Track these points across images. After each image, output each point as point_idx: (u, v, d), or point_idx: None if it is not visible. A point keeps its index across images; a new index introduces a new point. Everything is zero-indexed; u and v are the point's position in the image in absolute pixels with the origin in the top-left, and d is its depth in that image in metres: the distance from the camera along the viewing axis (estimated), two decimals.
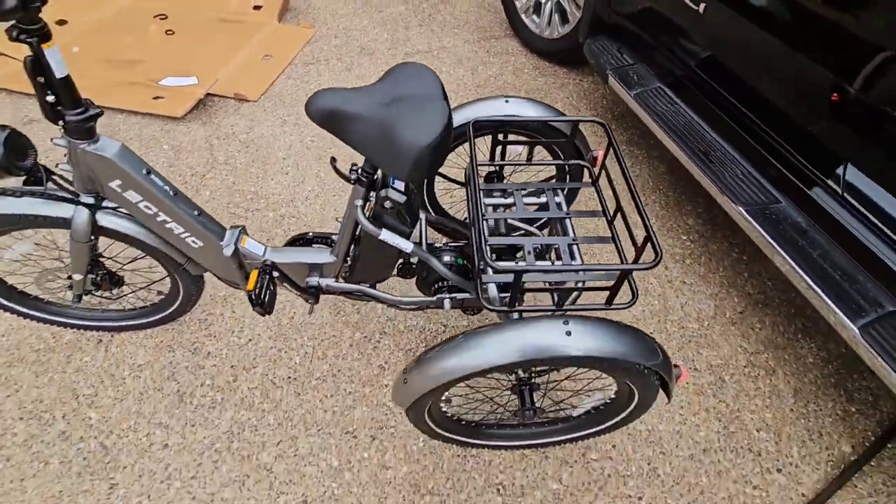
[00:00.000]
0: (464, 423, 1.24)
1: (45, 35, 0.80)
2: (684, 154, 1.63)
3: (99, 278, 1.23)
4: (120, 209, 1.10)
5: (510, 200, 1.22)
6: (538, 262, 1.07)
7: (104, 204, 1.09)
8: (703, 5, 1.53)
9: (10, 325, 1.49)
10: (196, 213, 1.11)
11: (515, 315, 1.07)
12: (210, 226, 1.14)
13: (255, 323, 1.56)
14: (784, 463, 1.32)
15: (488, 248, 1.03)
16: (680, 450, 1.34)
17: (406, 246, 1.12)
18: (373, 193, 1.09)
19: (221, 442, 1.31)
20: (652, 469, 1.30)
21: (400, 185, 1.07)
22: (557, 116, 1.35)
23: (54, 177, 1.05)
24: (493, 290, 1.11)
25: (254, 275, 1.11)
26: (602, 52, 2.06)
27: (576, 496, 1.25)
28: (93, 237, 1.10)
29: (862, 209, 1.27)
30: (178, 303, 1.40)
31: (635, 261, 0.95)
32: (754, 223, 1.41)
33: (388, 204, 1.06)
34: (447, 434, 1.22)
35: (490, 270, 1.05)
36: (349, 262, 1.26)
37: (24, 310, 1.35)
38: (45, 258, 1.49)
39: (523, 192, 1.22)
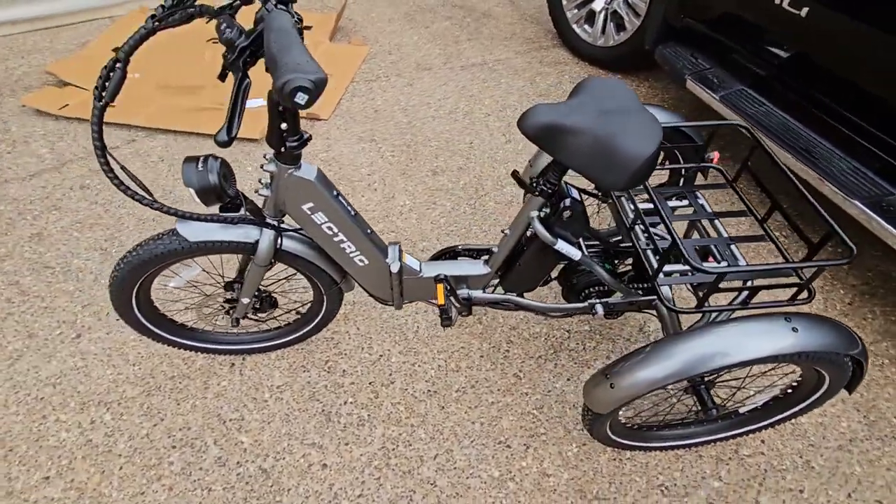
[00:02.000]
0: (636, 427, 1.26)
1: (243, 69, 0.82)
2: (787, 153, 1.67)
3: (261, 301, 1.23)
4: (300, 231, 1.12)
5: (650, 205, 1.26)
6: (735, 264, 1.09)
7: (284, 227, 1.10)
8: (805, 9, 1.59)
9: (140, 354, 1.49)
10: (369, 231, 1.13)
11: (698, 315, 1.10)
12: (378, 244, 1.16)
13: (382, 339, 1.56)
14: None
15: (689, 248, 1.06)
16: (827, 441, 1.36)
17: (576, 254, 1.14)
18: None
19: (379, 459, 1.31)
20: (805, 462, 1.33)
21: (575, 193, 1.10)
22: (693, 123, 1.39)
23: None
24: (667, 291, 1.14)
25: (440, 290, 1.13)
26: (676, 56, 2.12)
27: (738, 492, 1.27)
28: (273, 260, 1.11)
29: None
30: (316, 321, 1.41)
31: (809, 257, 0.98)
32: (874, 216, 1.45)
33: (566, 214, 1.08)
34: (623, 441, 1.23)
35: (671, 273, 1.07)
36: (500, 274, 1.28)
37: (174, 338, 1.35)
38: (205, 285, 1.50)
39: (666, 196, 1.26)
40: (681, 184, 1.59)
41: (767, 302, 1.01)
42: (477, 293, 1.30)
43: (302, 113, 2.37)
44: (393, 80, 2.64)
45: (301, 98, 0.68)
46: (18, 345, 1.49)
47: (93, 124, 0.75)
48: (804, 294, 0.99)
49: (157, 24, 0.73)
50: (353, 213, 1.08)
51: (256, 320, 1.35)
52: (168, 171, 2.08)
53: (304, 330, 1.44)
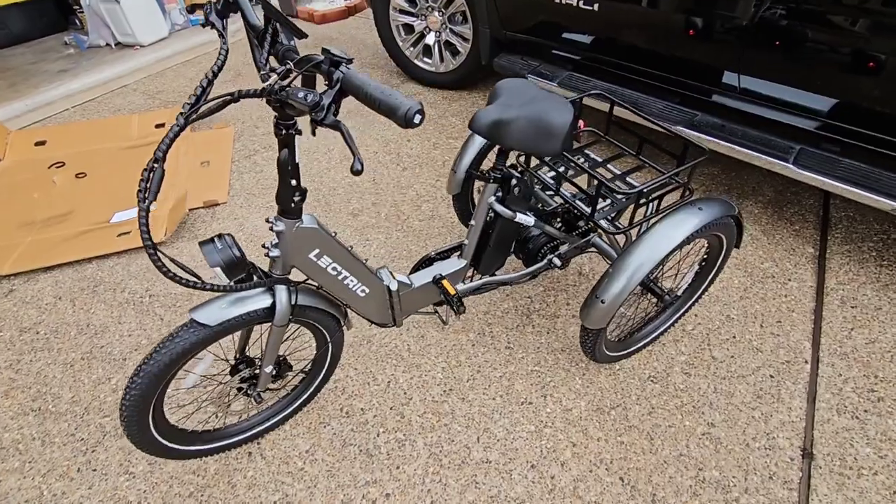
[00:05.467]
0: (619, 339, 1.55)
1: (298, 129, 0.94)
2: (623, 109, 2.17)
3: (278, 367, 1.26)
4: (307, 281, 1.19)
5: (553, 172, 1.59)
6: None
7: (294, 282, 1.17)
8: (596, 5, 2.11)
9: (140, 490, 1.36)
10: (365, 259, 1.25)
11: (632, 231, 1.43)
12: (372, 270, 1.29)
13: (383, 368, 1.65)
14: (790, 275, 1.88)
15: (615, 185, 1.38)
16: (732, 297, 1.81)
17: (531, 220, 1.40)
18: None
19: (432, 465, 1.40)
20: (727, 317, 1.75)
21: (516, 173, 1.36)
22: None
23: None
24: (603, 223, 1.46)
25: (447, 284, 1.28)
26: (511, 63, 2.58)
27: (698, 356, 1.63)
28: (291, 317, 1.16)
29: (752, 99, 1.92)
30: (323, 372, 1.45)
31: (679, 164, 1.38)
32: (692, 132, 1.99)
33: (517, 190, 1.34)
34: (615, 354, 1.51)
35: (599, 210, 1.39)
36: (473, 263, 1.49)
37: (190, 448, 1.28)
38: (216, 375, 1.41)
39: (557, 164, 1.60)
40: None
41: (669, 205, 1.38)
42: (460, 286, 1.49)
43: (199, 202, 2.32)
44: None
45: (417, 118, 0.78)
46: None
47: (141, 227, 0.78)
48: (687, 193, 1.37)
49: (187, 118, 0.80)
50: (350, 247, 1.20)
51: (275, 389, 1.35)
52: (73, 308, 1.89)
53: (314, 385, 1.47)
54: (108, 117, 3.02)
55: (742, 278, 1.88)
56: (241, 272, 1.00)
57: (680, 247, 1.28)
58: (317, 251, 1.12)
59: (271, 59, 0.92)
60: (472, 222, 1.39)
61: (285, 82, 0.83)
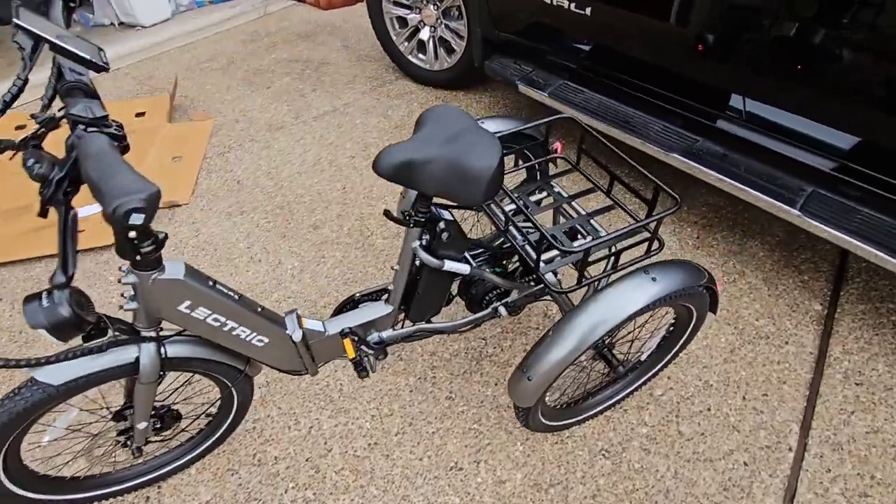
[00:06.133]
0: (564, 406, 1.35)
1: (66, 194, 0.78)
2: (612, 127, 1.93)
3: (161, 420, 1.13)
4: (183, 332, 1.04)
5: (512, 206, 1.39)
6: (596, 237, 1.22)
7: (164, 334, 1.02)
8: (588, 8, 1.86)
9: None
10: (259, 309, 1.10)
11: (583, 289, 1.22)
12: (273, 318, 1.13)
13: (308, 409, 1.50)
14: (787, 337, 1.63)
15: (558, 233, 1.17)
16: (714, 359, 1.58)
17: (465, 269, 1.21)
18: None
19: None
20: (705, 383, 1.52)
21: (447, 215, 1.17)
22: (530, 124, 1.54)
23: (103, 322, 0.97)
24: (550, 277, 1.25)
25: (348, 344, 1.12)
26: (503, 67, 2.35)
27: (663, 430, 1.42)
28: (161, 373, 1.02)
29: (760, 127, 1.65)
30: (231, 417, 1.32)
31: (649, 213, 1.16)
32: (689, 161, 1.74)
33: (445, 235, 1.15)
34: (556, 423, 1.31)
35: (552, 259, 1.18)
36: (403, 308, 1.31)
37: (71, 496, 1.17)
38: (90, 424, 1.30)
39: (526, 193, 1.39)
40: (538, 178, 1.77)
41: (634, 259, 1.16)
42: (388, 333, 1.32)
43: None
44: (248, 147, 2.58)
45: (137, 219, 0.65)
46: None
47: None
48: (655, 245, 1.15)
49: None
50: (236, 297, 1.04)
51: (163, 440, 1.23)
52: (11, 310, 1.82)
53: (221, 430, 1.34)
54: None
55: (730, 336, 1.64)
56: (78, 332, 0.86)
57: (633, 318, 1.07)
58: (187, 304, 0.96)
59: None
60: (396, 267, 1.21)
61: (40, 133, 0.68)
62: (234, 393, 1.25)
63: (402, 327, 1.34)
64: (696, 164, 1.72)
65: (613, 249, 1.24)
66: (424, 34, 2.78)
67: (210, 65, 3.30)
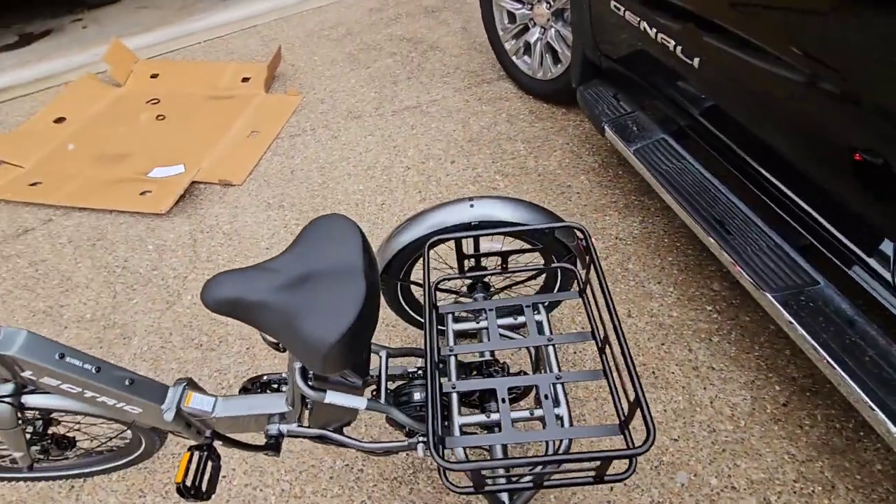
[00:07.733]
0: None
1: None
2: (696, 223, 1.40)
3: (46, 447, 1.13)
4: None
5: (483, 325, 1.06)
6: (503, 456, 0.88)
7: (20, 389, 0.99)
8: (696, 59, 1.31)
9: None
10: (128, 382, 1.00)
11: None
12: (147, 391, 1.02)
13: (232, 453, 1.43)
14: None
15: (455, 426, 0.85)
16: None
17: (359, 404, 0.96)
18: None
19: None
20: None
21: None
22: (531, 215, 1.17)
23: None
24: (459, 453, 0.93)
25: (183, 461, 0.98)
26: (597, 100, 1.86)
27: None
28: (20, 421, 1.00)
29: None
30: (141, 449, 1.30)
31: (624, 426, 0.76)
32: (785, 313, 1.17)
33: None
34: None
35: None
36: (310, 406, 1.12)
37: None
38: None
39: (499, 311, 1.05)
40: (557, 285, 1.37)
41: (572, 479, 0.79)
42: (291, 427, 1.14)
43: (214, 179, 2.29)
44: (318, 133, 2.52)
45: None
46: None
47: None
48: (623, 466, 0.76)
49: None
50: (95, 369, 0.95)
51: (59, 460, 1.26)
52: (72, 255, 2.06)
53: (136, 454, 1.33)
54: (213, 61, 3.15)
55: None
56: None
57: None
58: (29, 372, 0.89)
59: None
60: (285, 387, 1.00)
61: None
62: (140, 435, 1.21)
63: (307, 426, 1.15)
64: (794, 323, 1.14)
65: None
66: (532, 35, 2.35)
67: (329, 33, 3.28)
